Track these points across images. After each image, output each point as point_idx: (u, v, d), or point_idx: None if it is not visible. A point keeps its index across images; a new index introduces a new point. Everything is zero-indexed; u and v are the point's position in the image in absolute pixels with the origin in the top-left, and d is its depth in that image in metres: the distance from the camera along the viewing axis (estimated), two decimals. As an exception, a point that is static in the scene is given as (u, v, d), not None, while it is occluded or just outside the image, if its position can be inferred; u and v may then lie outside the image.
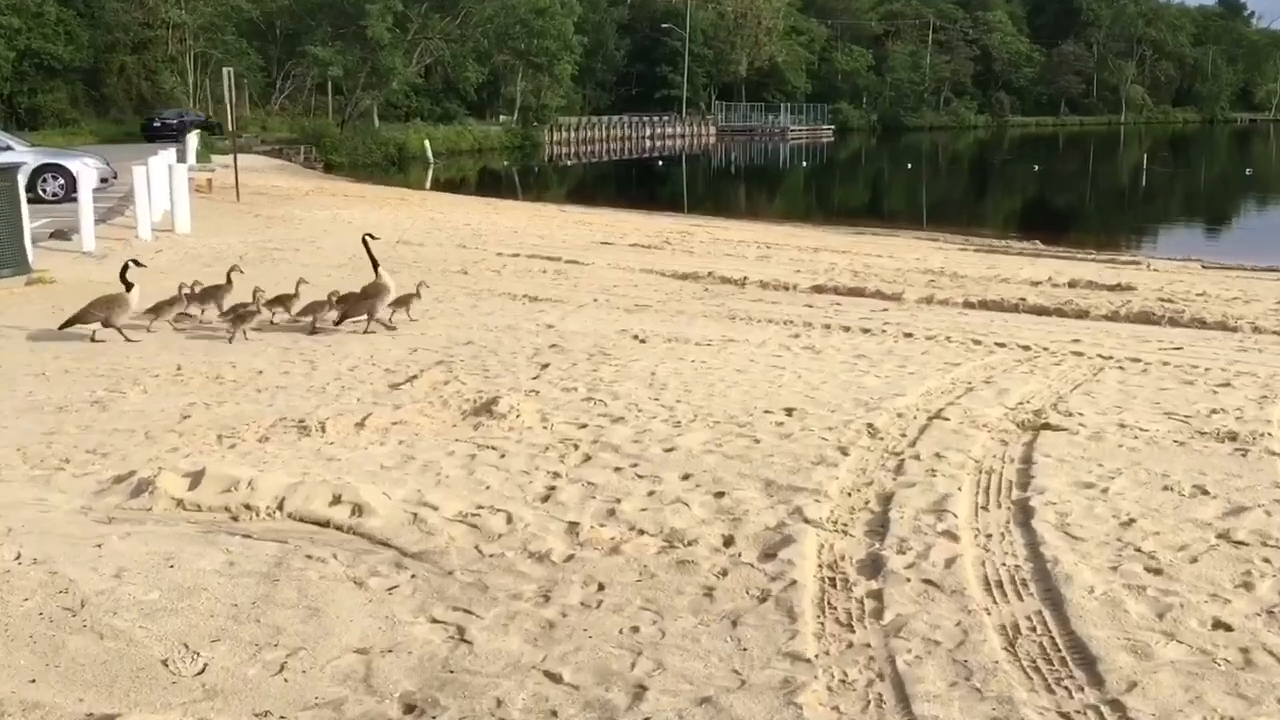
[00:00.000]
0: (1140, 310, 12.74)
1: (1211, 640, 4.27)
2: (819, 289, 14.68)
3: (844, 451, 6.63)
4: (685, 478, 6.17)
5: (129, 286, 10.62)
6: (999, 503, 5.76)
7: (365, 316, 11.04)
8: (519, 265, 16.87)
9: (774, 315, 12.27)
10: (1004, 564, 4.96)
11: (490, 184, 49.69)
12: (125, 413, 7.79)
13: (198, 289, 11.32)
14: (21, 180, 14.52)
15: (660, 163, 67.42)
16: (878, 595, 4.63)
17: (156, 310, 11.03)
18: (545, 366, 9.30)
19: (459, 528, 5.39)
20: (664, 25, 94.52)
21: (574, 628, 4.38)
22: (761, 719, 3.71)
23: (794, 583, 4.73)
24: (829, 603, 4.60)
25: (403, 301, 11.50)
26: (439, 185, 46.44)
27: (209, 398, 8.26)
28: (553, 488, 6.01)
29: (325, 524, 5.48)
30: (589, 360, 9.58)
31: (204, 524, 5.45)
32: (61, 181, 24.51)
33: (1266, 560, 5.00)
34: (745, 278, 15.47)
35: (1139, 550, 5.11)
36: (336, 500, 5.67)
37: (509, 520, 5.48)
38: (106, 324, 10.53)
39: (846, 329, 11.34)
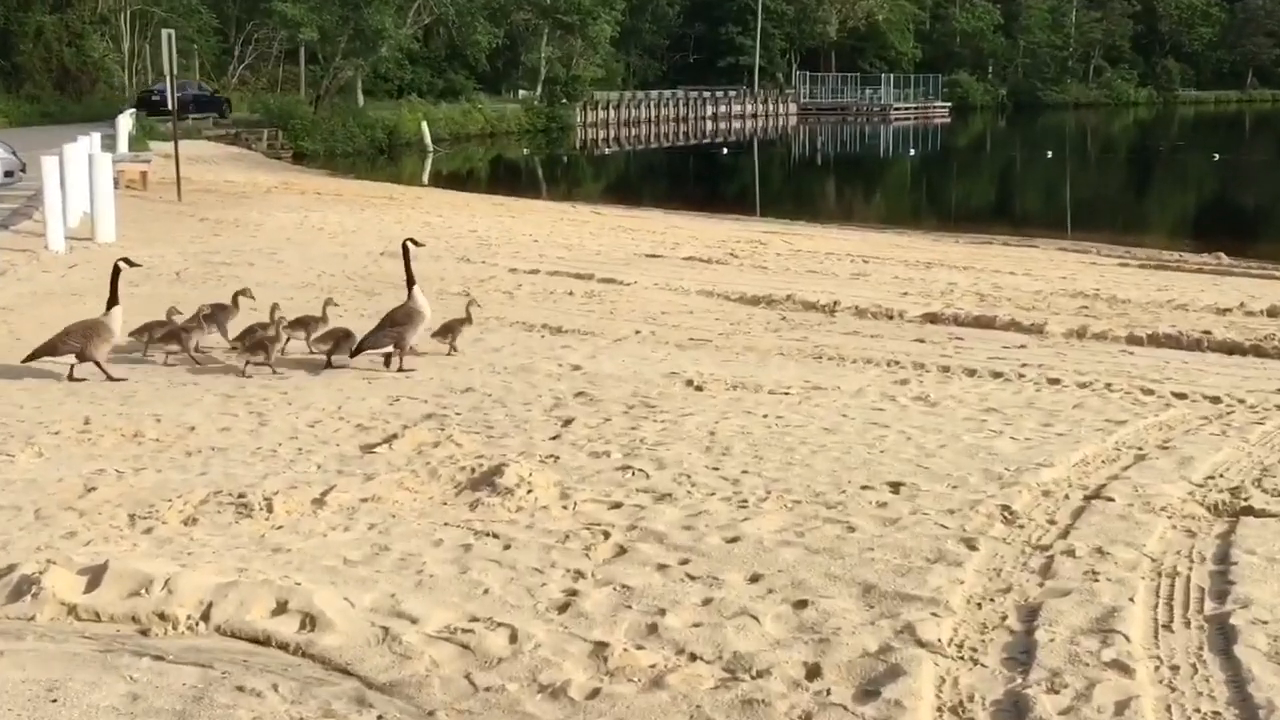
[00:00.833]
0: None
1: None
2: (933, 318, 14.67)
3: (971, 545, 6.53)
4: (753, 580, 6.12)
5: (115, 300, 10.74)
6: (1187, 620, 5.62)
7: (392, 348, 11.05)
8: (538, 285, 16.94)
9: (874, 354, 12.22)
10: (1198, 710, 4.81)
11: (505, 178, 50.19)
12: (11, 483, 7.79)
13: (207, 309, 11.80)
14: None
15: (725, 151, 67.96)
16: (1022, 755, 4.52)
17: (147, 331, 11.41)
18: (568, 423, 9.29)
19: (445, 649, 5.33)
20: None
21: (599, 799, 4.27)
22: None
23: (904, 734, 4.53)
24: (954, 765, 4.51)
25: (448, 330, 11.83)
26: (439, 180, 47.00)
27: (122, 463, 8.27)
28: (574, 593, 5.94)
29: (265, 641, 5.45)
30: (626, 414, 9.56)
31: (103, 640, 5.37)
32: (-51, 176, 24.92)
33: None
34: (836, 302, 15.43)
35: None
36: (281, 608, 5.65)
37: (513, 639, 5.41)
38: (82, 357, 10.62)
39: (971, 373, 11.31)
